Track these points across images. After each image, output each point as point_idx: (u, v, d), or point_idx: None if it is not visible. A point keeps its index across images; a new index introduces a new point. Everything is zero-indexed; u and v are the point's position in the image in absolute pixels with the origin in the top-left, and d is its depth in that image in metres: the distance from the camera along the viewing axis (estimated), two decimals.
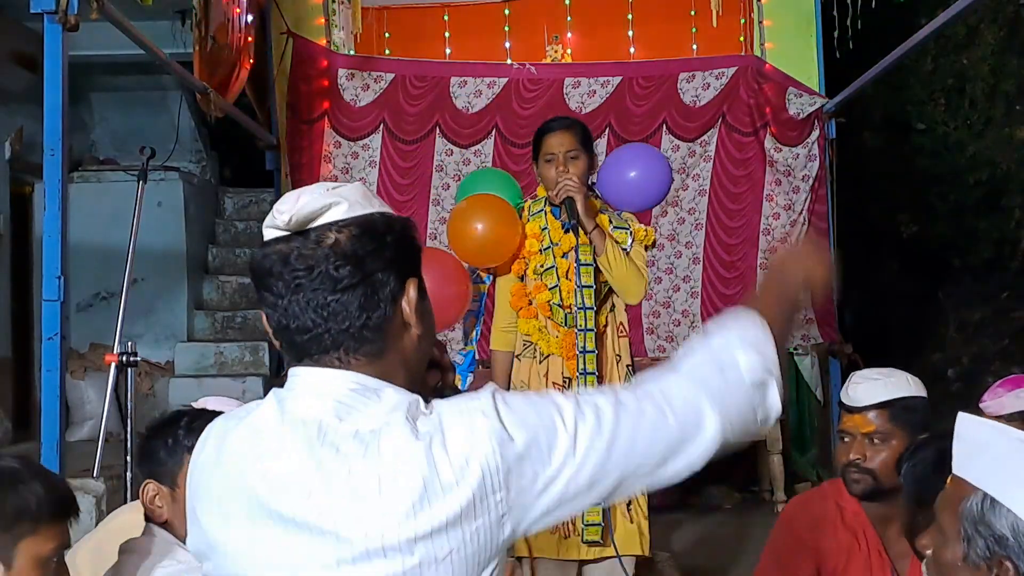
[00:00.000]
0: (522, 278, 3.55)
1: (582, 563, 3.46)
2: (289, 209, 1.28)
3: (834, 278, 1.52)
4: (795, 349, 6.81)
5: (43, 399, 3.75)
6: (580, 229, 3.36)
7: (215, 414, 2.00)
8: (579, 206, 3.31)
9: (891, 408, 2.49)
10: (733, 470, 6.60)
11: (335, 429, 1.25)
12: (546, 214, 3.51)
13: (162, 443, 2.08)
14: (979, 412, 2.90)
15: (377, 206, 1.33)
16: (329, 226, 1.28)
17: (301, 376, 1.30)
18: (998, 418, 2.81)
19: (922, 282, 8.32)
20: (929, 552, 1.35)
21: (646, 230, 3.54)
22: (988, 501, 1.20)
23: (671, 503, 6.39)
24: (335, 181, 6.82)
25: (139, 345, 3.71)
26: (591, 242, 3.37)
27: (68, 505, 1.79)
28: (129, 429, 3.37)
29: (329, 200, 1.29)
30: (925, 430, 2.47)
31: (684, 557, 5.13)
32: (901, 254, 8.60)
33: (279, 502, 1.24)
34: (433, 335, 1.39)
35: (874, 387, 2.52)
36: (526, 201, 3.65)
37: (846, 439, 2.54)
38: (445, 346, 1.48)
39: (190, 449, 1.91)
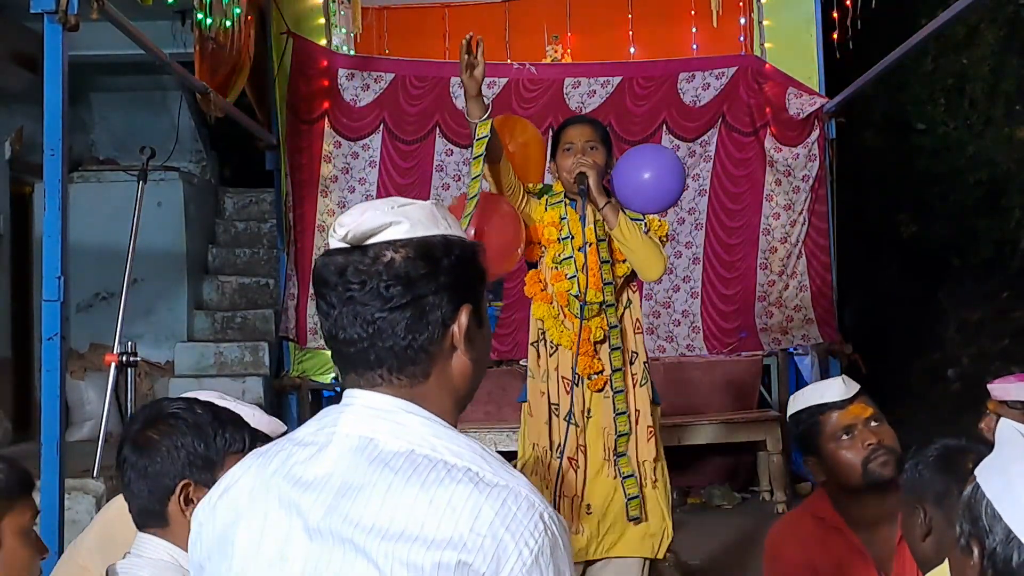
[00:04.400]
0: (535, 265, 3.53)
1: (587, 564, 3.44)
2: (350, 223, 1.30)
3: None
4: (795, 349, 6.81)
5: (43, 399, 3.75)
6: (592, 206, 3.38)
7: (232, 413, 1.96)
8: (591, 180, 3.35)
9: (867, 392, 2.56)
10: (733, 470, 6.60)
11: (387, 445, 1.26)
12: (565, 205, 3.50)
13: (199, 438, 1.89)
14: (986, 400, 2.97)
15: (444, 228, 1.33)
16: (387, 244, 1.29)
17: (358, 397, 1.32)
18: (1001, 403, 2.90)
19: (922, 282, 8.32)
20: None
21: (660, 221, 3.55)
22: (974, 488, 1.24)
23: (671, 503, 6.39)
24: (335, 181, 6.89)
25: (139, 345, 3.73)
26: (603, 217, 3.39)
27: (30, 478, 1.90)
28: None
29: (390, 219, 1.30)
30: None
31: (684, 557, 5.13)
32: (901, 254, 8.60)
33: (307, 507, 1.26)
34: (486, 363, 1.40)
35: (843, 381, 2.57)
36: (543, 197, 3.60)
37: (846, 436, 2.51)
38: None
39: (231, 446, 1.89)
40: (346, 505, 1.23)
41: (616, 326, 3.44)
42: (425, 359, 1.31)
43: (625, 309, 3.52)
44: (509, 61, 7.46)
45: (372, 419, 1.29)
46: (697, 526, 5.81)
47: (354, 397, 1.32)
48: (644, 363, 3.52)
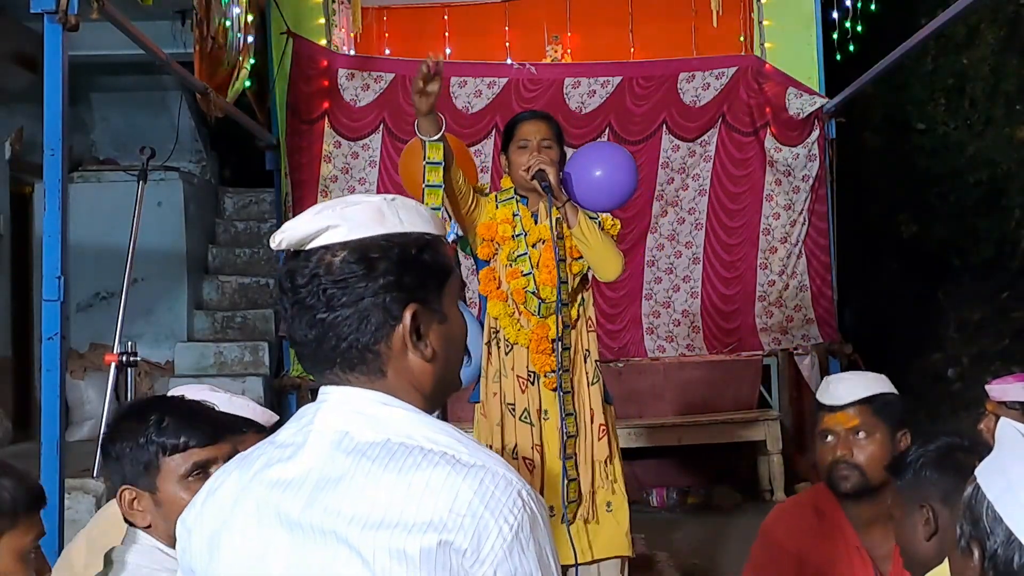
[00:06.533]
0: (488, 262, 3.47)
1: (566, 568, 3.41)
2: (286, 229, 1.33)
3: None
4: (795, 349, 6.81)
5: (43, 399, 3.75)
6: (552, 202, 3.32)
7: (185, 411, 1.98)
8: (551, 178, 3.30)
9: (873, 403, 2.54)
10: (733, 470, 6.60)
11: (363, 436, 1.28)
12: (516, 201, 3.46)
13: (133, 444, 1.94)
14: (984, 401, 2.97)
15: (391, 227, 1.33)
16: (326, 249, 1.31)
17: (332, 393, 1.34)
18: (999, 404, 2.90)
19: (922, 282, 8.31)
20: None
21: (613, 220, 3.50)
22: (975, 489, 1.23)
23: (671, 503, 6.40)
24: (335, 181, 6.89)
25: (139, 345, 3.72)
26: (563, 215, 3.33)
27: (39, 496, 1.81)
28: None
29: (327, 223, 1.31)
30: (903, 425, 2.55)
31: (684, 557, 5.13)
32: (901, 254, 8.59)
33: (287, 504, 1.27)
34: (456, 360, 1.40)
35: (853, 384, 2.57)
36: (490, 193, 3.57)
37: (829, 438, 2.55)
38: None
39: (164, 448, 1.92)
40: (325, 497, 1.25)
41: (569, 326, 3.40)
42: (372, 359, 1.31)
43: (579, 307, 3.48)
44: (509, 61, 7.46)
45: (347, 413, 1.30)
46: (697, 526, 5.81)
47: (328, 394, 1.34)
48: (596, 362, 3.47)
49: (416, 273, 1.33)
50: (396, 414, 1.30)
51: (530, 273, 3.40)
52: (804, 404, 6.68)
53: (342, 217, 1.32)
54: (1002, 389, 2.94)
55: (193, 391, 2.18)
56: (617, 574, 3.46)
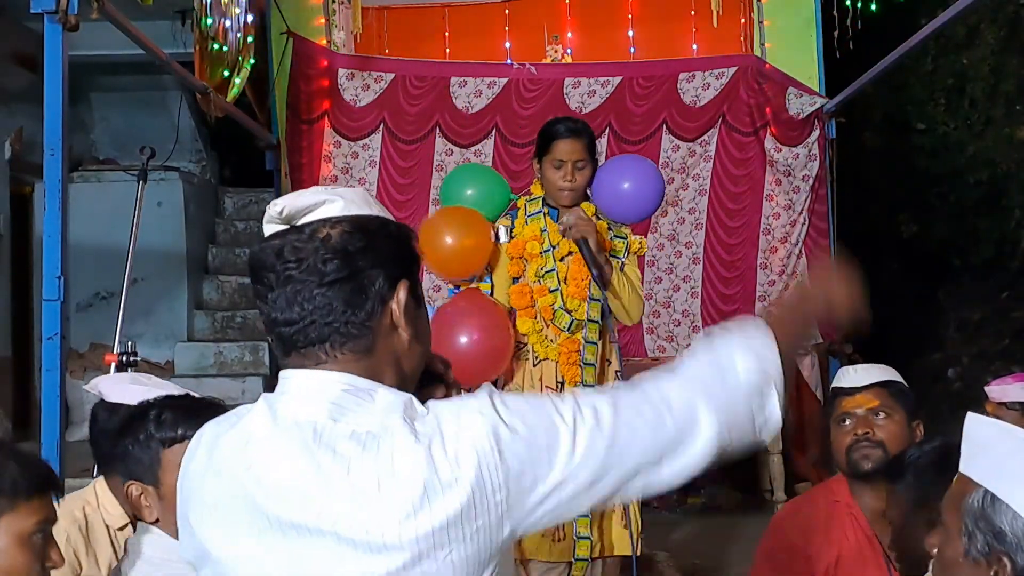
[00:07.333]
0: (516, 280, 3.50)
1: (570, 564, 3.43)
2: (284, 201, 1.32)
3: (861, 306, 1.48)
4: None
5: (43, 399, 3.76)
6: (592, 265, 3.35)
7: (183, 404, 2.05)
8: (592, 246, 3.30)
9: (890, 387, 2.55)
10: (733, 470, 6.59)
11: (330, 430, 1.26)
12: (544, 216, 3.48)
13: (133, 440, 2.02)
14: (984, 402, 2.97)
15: (376, 211, 1.36)
16: (323, 221, 1.31)
17: (292, 379, 1.31)
18: (999, 404, 2.90)
19: (922, 282, 8.32)
20: (936, 551, 1.36)
21: (640, 241, 3.55)
22: (989, 497, 1.22)
23: (671, 503, 6.39)
24: (335, 181, 6.90)
25: (139, 345, 3.73)
26: (600, 277, 3.37)
27: (45, 480, 1.78)
28: None
29: (324, 197, 1.32)
30: (916, 416, 2.56)
31: (684, 557, 5.13)
32: (901, 254, 8.60)
33: (276, 507, 1.25)
34: (428, 341, 1.39)
35: (871, 369, 2.60)
36: (520, 198, 3.60)
37: (847, 421, 2.54)
38: (450, 362, 1.48)
39: (164, 442, 1.99)
40: (317, 497, 1.23)
41: (595, 342, 3.44)
42: (366, 335, 1.30)
43: (603, 320, 3.48)
44: (509, 61, 7.46)
45: (309, 404, 1.28)
46: (697, 526, 5.81)
47: (287, 379, 1.32)
48: (616, 371, 3.50)
49: (406, 254, 1.36)
50: (356, 398, 1.27)
51: (557, 289, 3.43)
52: (804, 404, 6.68)
53: (337, 194, 1.33)
54: (1002, 390, 2.95)
55: (112, 381, 2.23)
56: (616, 571, 3.49)
